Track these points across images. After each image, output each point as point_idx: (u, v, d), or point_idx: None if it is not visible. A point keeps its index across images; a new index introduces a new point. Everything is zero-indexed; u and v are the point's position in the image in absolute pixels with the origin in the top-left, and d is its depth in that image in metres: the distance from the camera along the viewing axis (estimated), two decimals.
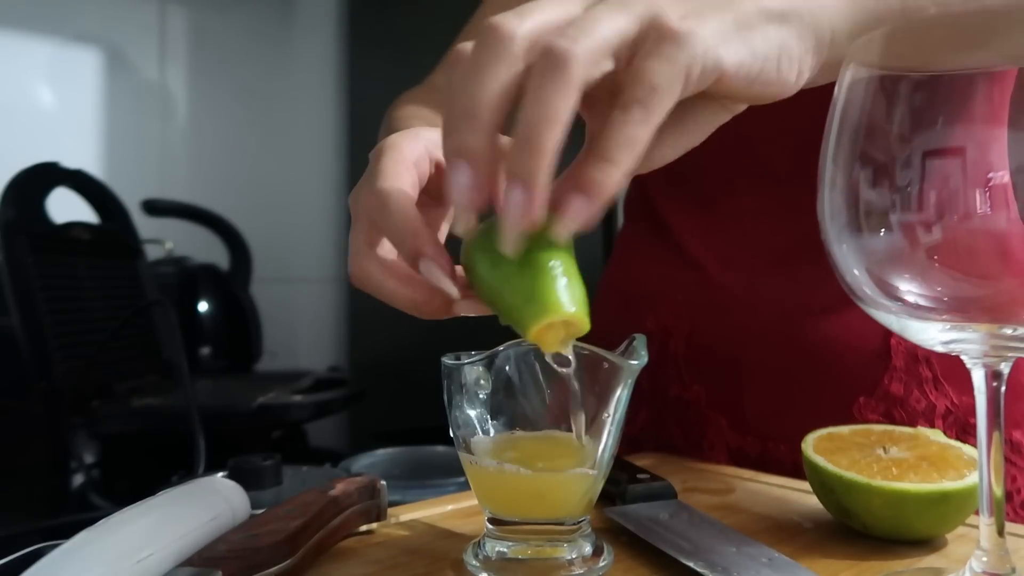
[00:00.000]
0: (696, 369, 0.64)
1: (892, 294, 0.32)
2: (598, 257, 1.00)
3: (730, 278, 0.63)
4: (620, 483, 0.47)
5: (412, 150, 0.37)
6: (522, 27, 0.30)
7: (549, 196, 0.30)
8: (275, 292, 1.38)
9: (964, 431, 0.54)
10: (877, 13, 0.35)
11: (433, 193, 0.39)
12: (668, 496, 0.47)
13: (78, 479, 0.84)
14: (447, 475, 0.58)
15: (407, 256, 0.34)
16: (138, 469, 0.84)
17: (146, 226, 1.15)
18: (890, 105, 0.31)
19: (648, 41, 0.30)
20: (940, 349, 0.33)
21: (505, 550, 0.38)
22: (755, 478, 0.56)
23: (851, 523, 0.44)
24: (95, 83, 1.26)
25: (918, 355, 0.55)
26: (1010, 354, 0.32)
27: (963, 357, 0.33)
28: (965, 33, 0.32)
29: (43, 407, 0.87)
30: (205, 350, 1.18)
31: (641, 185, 0.71)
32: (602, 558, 0.38)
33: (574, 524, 0.38)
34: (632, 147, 0.30)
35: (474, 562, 0.38)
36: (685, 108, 0.33)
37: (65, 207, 1.02)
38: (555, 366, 0.35)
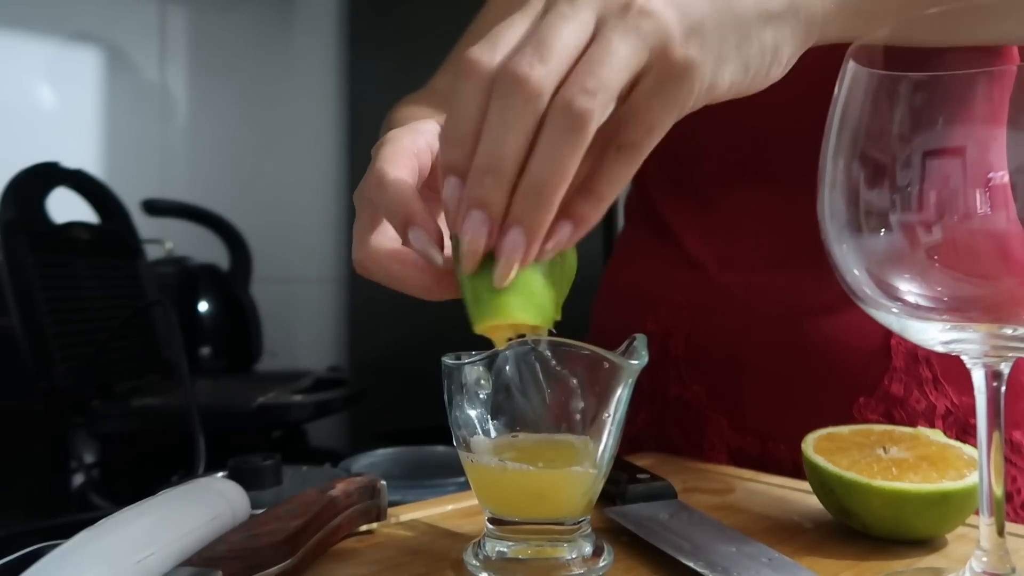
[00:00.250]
0: (696, 369, 0.64)
1: (892, 294, 0.32)
2: (598, 257, 1.00)
3: (730, 278, 0.63)
4: (620, 483, 0.47)
5: (412, 142, 0.38)
6: (546, 77, 0.29)
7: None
8: (275, 292, 1.38)
9: (964, 431, 0.54)
10: None
11: (433, 186, 0.39)
12: (668, 496, 0.47)
13: (78, 479, 0.83)
14: (447, 475, 0.58)
15: (399, 226, 0.35)
16: (138, 469, 0.84)
17: (146, 226, 1.15)
18: (890, 105, 0.31)
19: (652, 74, 0.31)
20: (940, 349, 0.33)
21: (505, 550, 0.38)
22: (755, 478, 0.56)
23: (851, 523, 0.44)
24: (95, 83, 1.26)
25: (918, 355, 0.55)
26: (1010, 354, 0.32)
27: (963, 357, 0.33)
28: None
29: (43, 407, 0.87)
30: (205, 350, 1.18)
31: (641, 186, 0.71)
32: (602, 558, 0.38)
33: (574, 524, 0.38)
34: (622, 183, 0.32)
35: (474, 562, 0.38)
36: None
37: (65, 207, 1.02)
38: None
